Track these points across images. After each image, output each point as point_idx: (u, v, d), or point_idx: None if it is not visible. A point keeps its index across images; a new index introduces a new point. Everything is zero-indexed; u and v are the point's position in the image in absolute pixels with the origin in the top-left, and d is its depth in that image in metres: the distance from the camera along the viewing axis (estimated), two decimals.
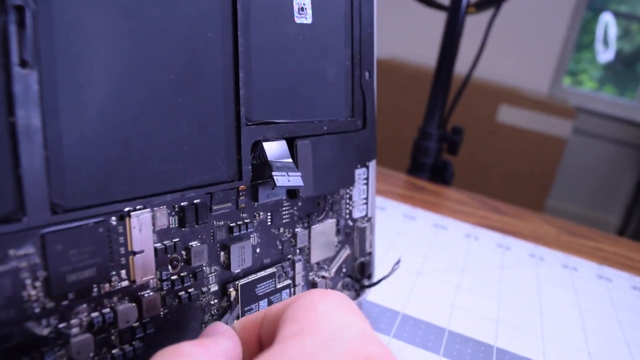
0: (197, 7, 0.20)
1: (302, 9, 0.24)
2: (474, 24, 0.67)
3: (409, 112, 1.64)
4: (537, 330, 0.33)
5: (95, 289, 0.18)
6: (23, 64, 0.15)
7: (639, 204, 1.82)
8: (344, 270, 0.28)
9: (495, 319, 0.33)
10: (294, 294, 0.25)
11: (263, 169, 0.23)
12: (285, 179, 0.22)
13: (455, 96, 0.63)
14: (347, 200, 0.28)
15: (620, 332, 0.34)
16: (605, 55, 1.90)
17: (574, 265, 0.44)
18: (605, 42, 1.88)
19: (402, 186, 0.59)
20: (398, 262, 0.28)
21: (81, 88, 0.17)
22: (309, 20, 0.24)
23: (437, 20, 0.73)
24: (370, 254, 0.30)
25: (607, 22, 1.86)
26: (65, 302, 0.17)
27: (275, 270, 0.24)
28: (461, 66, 0.65)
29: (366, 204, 0.29)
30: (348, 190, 0.28)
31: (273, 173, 0.22)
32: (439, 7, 0.66)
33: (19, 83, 0.15)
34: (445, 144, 0.65)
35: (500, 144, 1.56)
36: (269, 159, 0.22)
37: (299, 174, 0.23)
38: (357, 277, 0.29)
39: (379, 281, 0.28)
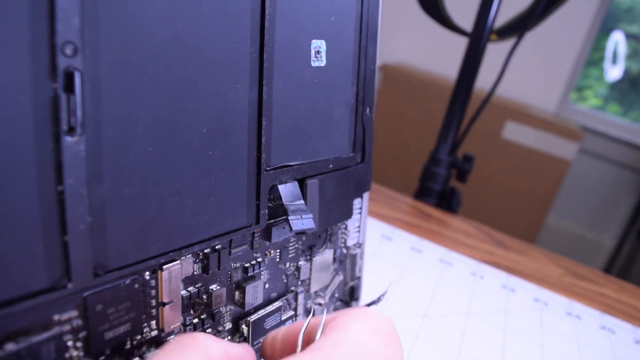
0: (229, 61, 0.20)
1: (318, 52, 0.24)
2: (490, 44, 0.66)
3: (414, 120, 1.60)
4: None
5: (128, 342, 0.18)
6: (71, 131, 0.15)
7: (635, 226, 1.83)
8: (336, 295, 0.30)
9: None
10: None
11: (276, 210, 0.24)
12: (299, 223, 0.23)
13: (469, 124, 0.62)
14: (343, 230, 0.29)
15: None
16: (613, 73, 1.89)
17: (577, 312, 0.45)
18: (614, 61, 1.87)
19: (408, 213, 0.59)
20: (386, 291, 0.29)
21: (124, 150, 0.17)
22: (323, 63, 0.25)
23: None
24: (359, 278, 0.31)
25: (617, 41, 1.85)
26: (102, 358, 0.18)
27: (281, 303, 0.25)
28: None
29: (358, 231, 0.30)
30: (345, 222, 0.29)
31: (289, 218, 0.23)
32: (461, 32, 0.65)
33: (68, 152, 0.15)
34: (455, 171, 0.64)
35: (504, 160, 1.54)
36: (284, 203, 0.23)
37: (311, 215, 0.24)
38: (347, 300, 0.31)
39: (369, 304, 0.30)
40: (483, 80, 0.63)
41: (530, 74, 1.78)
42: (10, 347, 0.15)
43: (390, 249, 0.48)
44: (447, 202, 0.64)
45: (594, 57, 1.89)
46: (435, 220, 0.59)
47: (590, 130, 1.88)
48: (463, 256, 0.51)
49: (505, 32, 0.64)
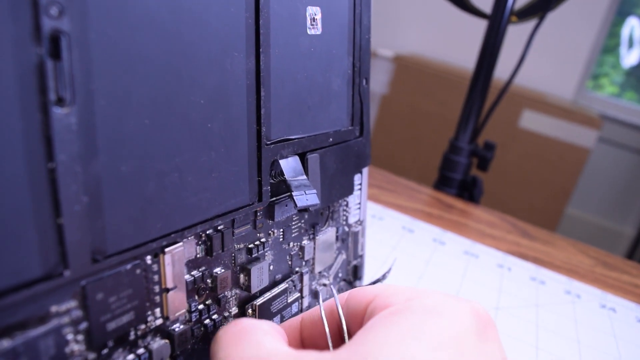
0: (225, 26, 0.18)
1: (314, 19, 0.23)
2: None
3: (428, 111, 1.56)
4: None
5: (132, 333, 0.17)
6: (60, 102, 0.14)
7: None
8: (340, 275, 0.29)
9: None
10: (302, 305, 0.26)
11: (278, 186, 0.23)
12: (304, 199, 0.22)
13: (489, 110, 0.60)
14: (345, 208, 0.28)
15: None
16: (629, 59, 1.84)
17: (612, 305, 0.43)
18: (630, 47, 1.83)
19: (429, 203, 0.57)
20: (390, 268, 0.29)
21: (118, 123, 0.15)
22: (319, 31, 0.23)
23: (461, 17, 0.67)
24: (361, 256, 0.31)
25: (633, 26, 1.81)
26: (105, 351, 0.16)
27: (287, 285, 0.24)
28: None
29: (359, 208, 0.29)
30: (346, 198, 0.28)
31: (293, 194, 0.22)
32: (480, 14, 0.62)
33: (58, 124, 0.14)
34: (475, 159, 0.62)
35: (521, 150, 1.49)
36: (287, 179, 0.22)
37: (314, 191, 0.23)
38: (351, 280, 0.30)
39: (374, 283, 0.29)
40: (498, 68, 0.61)
41: (546, 62, 1.72)
42: (5, 343, 0.13)
43: (412, 242, 0.46)
44: (469, 191, 0.62)
45: (609, 43, 1.83)
46: (457, 210, 0.57)
47: (608, 118, 1.83)
48: (488, 247, 0.49)
49: (527, 13, 0.61)
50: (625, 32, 1.84)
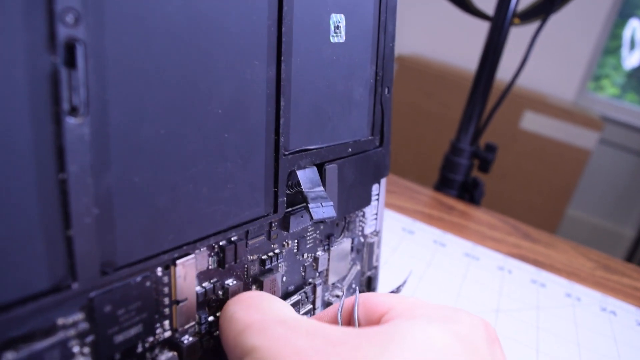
0: (246, 34, 0.18)
1: (338, 27, 0.22)
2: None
3: (429, 111, 1.56)
4: None
5: (140, 345, 0.17)
6: (73, 111, 0.13)
7: None
8: (353, 286, 0.28)
9: None
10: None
11: (294, 196, 0.22)
12: (320, 211, 0.21)
13: (491, 111, 0.59)
14: (361, 218, 0.28)
15: None
16: (630, 61, 1.83)
17: (612, 308, 0.43)
18: (632, 49, 1.82)
19: (429, 205, 0.56)
20: (405, 281, 0.28)
21: (132, 133, 0.15)
22: (342, 39, 0.23)
23: (463, 18, 0.66)
24: (376, 267, 0.30)
25: (635, 28, 1.80)
26: None
27: (299, 297, 0.24)
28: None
29: (376, 218, 0.29)
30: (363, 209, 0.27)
31: (309, 206, 0.21)
32: (483, 16, 0.62)
33: (70, 135, 0.13)
34: (477, 161, 0.62)
35: (522, 151, 1.49)
36: (304, 190, 0.21)
37: (332, 203, 0.22)
38: (364, 291, 0.29)
39: None
40: (499, 69, 0.59)
41: (547, 63, 1.71)
42: (10, 356, 0.13)
43: (412, 243, 0.46)
44: (470, 193, 0.61)
45: (610, 45, 1.81)
46: (457, 212, 0.56)
47: (609, 120, 1.81)
48: (489, 250, 0.48)
49: (529, 15, 0.60)
50: (626, 33, 1.82)
